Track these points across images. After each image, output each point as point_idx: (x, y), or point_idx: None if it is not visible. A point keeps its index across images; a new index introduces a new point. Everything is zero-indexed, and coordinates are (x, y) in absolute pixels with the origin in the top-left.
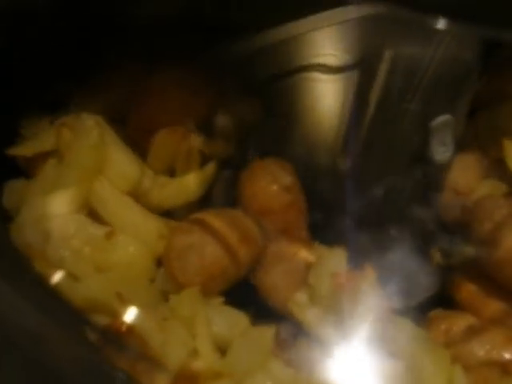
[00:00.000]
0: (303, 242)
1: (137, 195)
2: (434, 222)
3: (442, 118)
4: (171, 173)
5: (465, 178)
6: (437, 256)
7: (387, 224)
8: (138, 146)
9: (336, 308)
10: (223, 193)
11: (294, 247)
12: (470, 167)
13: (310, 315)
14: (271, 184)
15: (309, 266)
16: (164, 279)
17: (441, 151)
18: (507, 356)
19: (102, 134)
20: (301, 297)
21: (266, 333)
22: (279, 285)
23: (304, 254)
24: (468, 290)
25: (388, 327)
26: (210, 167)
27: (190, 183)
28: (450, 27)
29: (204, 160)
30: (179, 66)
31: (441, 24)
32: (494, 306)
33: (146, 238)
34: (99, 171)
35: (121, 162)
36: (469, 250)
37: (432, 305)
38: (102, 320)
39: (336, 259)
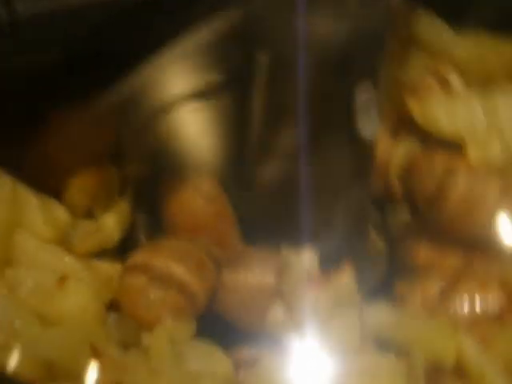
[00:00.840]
0: (266, 252)
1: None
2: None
3: (365, 92)
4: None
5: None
6: (372, 233)
7: (328, 212)
8: (44, 190)
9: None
10: (148, 218)
11: (253, 261)
12: (381, 133)
13: (288, 328)
14: (195, 197)
15: (278, 274)
16: (119, 325)
17: (368, 126)
18: (490, 304)
19: (15, 186)
20: (276, 312)
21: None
22: (249, 304)
23: (266, 266)
24: (424, 253)
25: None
26: (125, 203)
27: (111, 224)
28: None
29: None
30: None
31: None
32: (452, 260)
33: (94, 283)
34: (18, 224)
35: (38, 210)
36: (406, 216)
37: (392, 280)
38: None
39: (307, 261)
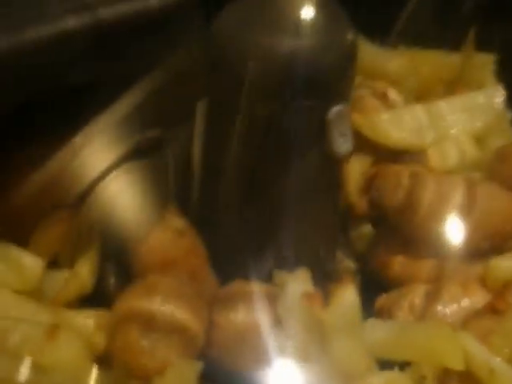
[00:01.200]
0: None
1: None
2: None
3: (337, 109)
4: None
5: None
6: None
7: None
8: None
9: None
10: (117, 263)
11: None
12: None
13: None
14: (164, 232)
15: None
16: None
17: (341, 142)
18: (477, 304)
19: None
20: (275, 340)
21: None
22: (244, 343)
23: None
24: (397, 263)
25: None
26: (94, 250)
27: (85, 273)
28: None
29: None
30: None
31: None
32: (426, 266)
33: (83, 334)
34: None
35: (7, 261)
36: (370, 230)
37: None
38: None
39: (301, 281)
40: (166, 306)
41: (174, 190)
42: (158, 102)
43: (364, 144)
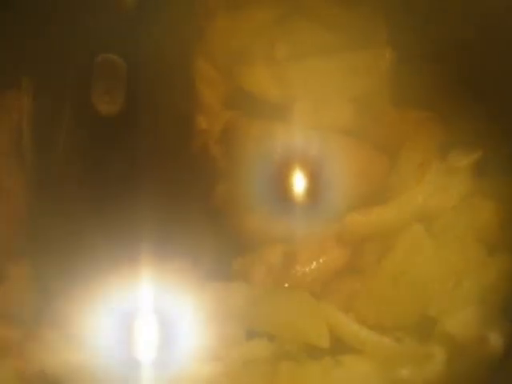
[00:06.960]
0: None
1: None
2: None
3: (105, 57)
4: None
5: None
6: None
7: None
8: None
9: None
10: None
11: None
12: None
13: None
14: None
15: None
16: None
17: (106, 100)
18: (336, 258)
19: None
20: None
21: None
22: None
23: None
24: (254, 221)
25: None
26: None
27: None
28: None
29: None
30: None
31: None
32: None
33: None
34: None
35: None
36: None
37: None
38: None
39: None
40: None
41: None
42: None
43: (244, 97)
